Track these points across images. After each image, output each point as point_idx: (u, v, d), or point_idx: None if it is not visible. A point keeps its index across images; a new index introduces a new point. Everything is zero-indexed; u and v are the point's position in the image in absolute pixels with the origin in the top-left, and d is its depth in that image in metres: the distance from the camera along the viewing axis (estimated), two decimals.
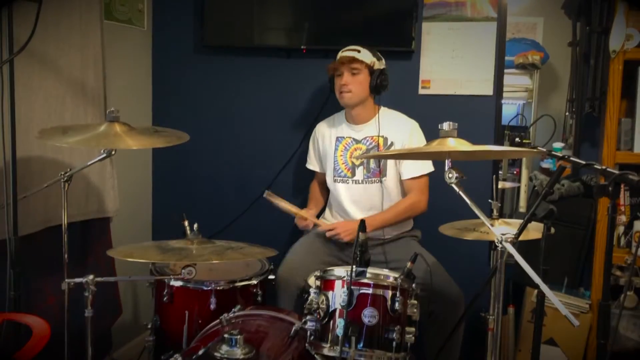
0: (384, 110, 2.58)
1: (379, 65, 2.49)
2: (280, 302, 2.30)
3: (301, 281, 2.27)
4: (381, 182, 2.51)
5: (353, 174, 2.54)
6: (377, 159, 2.52)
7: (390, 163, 2.51)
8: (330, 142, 2.62)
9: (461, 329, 2.37)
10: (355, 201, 2.54)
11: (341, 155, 2.57)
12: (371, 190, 2.52)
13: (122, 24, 2.81)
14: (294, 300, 2.27)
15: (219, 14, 2.92)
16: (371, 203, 2.52)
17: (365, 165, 2.53)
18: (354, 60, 2.44)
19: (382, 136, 2.52)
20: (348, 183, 2.55)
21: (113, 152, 1.88)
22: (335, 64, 2.49)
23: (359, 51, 2.46)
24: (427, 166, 2.51)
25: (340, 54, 2.50)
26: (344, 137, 2.59)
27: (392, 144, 2.52)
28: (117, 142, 1.85)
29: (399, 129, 2.53)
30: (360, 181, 2.53)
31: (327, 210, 2.69)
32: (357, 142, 2.56)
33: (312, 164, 2.74)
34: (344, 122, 2.61)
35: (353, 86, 2.46)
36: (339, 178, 2.57)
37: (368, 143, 2.55)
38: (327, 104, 2.85)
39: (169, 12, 3.05)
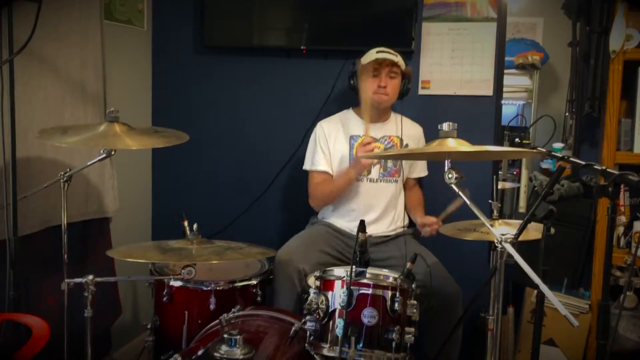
0: (395, 114, 2.63)
1: (407, 71, 2.53)
2: (277, 285, 2.26)
3: (299, 265, 2.23)
4: (397, 181, 2.55)
5: (369, 172, 2.54)
6: (394, 159, 2.55)
7: (405, 163, 2.58)
8: (342, 141, 2.58)
9: (460, 327, 2.37)
10: (368, 200, 2.53)
11: (357, 154, 2.56)
12: (385, 189, 2.54)
13: (122, 24, 2.81)
14: (294, 300, 2.27)
15: (219, 14, 2.92)
16: (383, 202, 2.53)
17: (382, 163, 2.54)
18: (394, 64, 2.45)
19: (399, 137, 2.57)
20: (363, 181, 2.54)
21: (113, 152, 1.88)
22: (375, 64, 2.46)
23: (396, 55, 2.47)
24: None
25: (378, 55, 2.45)
26: (359, 136, 2.56)
27: (407, 145, 2.57)
28: (116, 142, 1.85)
29: (412, 131, 2.61)
30: (375, 180, 2.54)
31: (331, 211, 2.63)
32: (375, 140, 2.54)
33: (322, 164, 2.59)
34: (359, 120, 2.59)
35: (390, 89, 2.48)
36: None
37: (386, 142, 2.57)
38: (327, 104, 2.86)
39: (169, 13, 3.05)
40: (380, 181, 2.54)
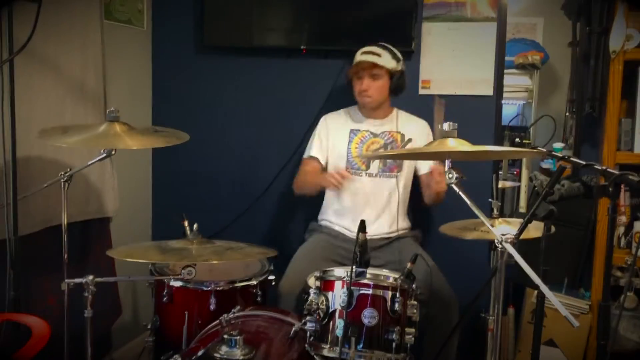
0: (397, 110, 2.62)
1: (399, 66, 2.50)
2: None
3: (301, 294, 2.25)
4: (397, 177, 2.53)
5: (367, 167, 2.54)
6: (393, 158, 2.54)
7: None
8: (343, 134, 2.60)
9: (456, 334, 2.36)
10: (366, 195, 2.53)
11: (356, 148, 2.57)
12: (384, 185, 2.53)
13: (122, 24, 2.81)
14: (294, 300, 2.26)
15: (219, 14, 2.92)
16: (382, 197, 2.53)
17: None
18: (375, 66, 2.45)
19: (400, 132, 2.55)
20: (361, 176, 2.54)
21: (113, 152, 1.88)
22: (356, 69, 2.48)
23: (379, 55, 2.46)
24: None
25: (360, 57, 2.47)
26: (359, 130, 2.58)
27: (409, 140, 2.55)
28: (117, 142, 1.85)
29: (416, 127, 2.59)
30: (374, 175, 2.54)
31: (329, 211, 2.64)
32: (375, 135, 2.57)
33: (314, 151, 2.63)
34: (360, 115, 2.61)
35: (373, 91, 2.48)
36: (352, 170, 2.55)
37: (386, 137, 2.56)
38: (326, 104, 2.85)
39: (169, 12, 3.05)
40: (380, 176, 2.54)
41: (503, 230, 1.56)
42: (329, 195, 2.65)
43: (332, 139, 2.62)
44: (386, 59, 2.47)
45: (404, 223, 2.59)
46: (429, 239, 2.60)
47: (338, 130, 2.61)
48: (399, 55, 2.52)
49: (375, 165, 2.54)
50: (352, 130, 2.59)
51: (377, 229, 2.49)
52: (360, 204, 2.53)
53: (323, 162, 2.64)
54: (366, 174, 2.54)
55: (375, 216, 2.50)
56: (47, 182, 1.93)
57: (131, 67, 2.95)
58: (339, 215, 2.58)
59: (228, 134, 3.05)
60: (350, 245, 2.48)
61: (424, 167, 2.58)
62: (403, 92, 2.57)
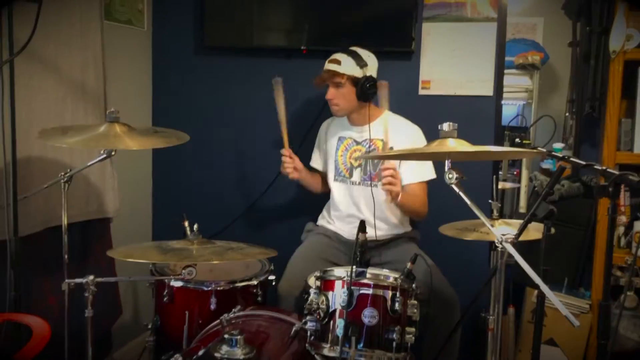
0: (387, 114, 2.53)
1: (364, 72, 2.41)
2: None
3: (300, 294, 2.25)
4: (376, 186, 2.47)
5: (351, 175, 2.54)
6: (374, 164, 2.50)
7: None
8: (333, 141, 2.62)
9: (458, 333, 2.36)
10: (353, 203, 2.53)
11: (342, 155, 2.57)
12: (364, 193, 2.51)
13: (122, 25, 2.81)
14: (294, 301, 2.27)
15: (219, 15, 2.92)
16: (364, 205, 2.51)
17: (362, 167, 2.52)
18: (335, 74, 2.42)
19: (381, 140, 2.49)
20: (346, 184, 2.55)
21: (113, 153, 1.89)
22: (319, 79, 2.48)
23: (339, 62, 2.41)
24: (428, 173, 2.48)
25: (326, 64, 2.46)
26: (345, 138, 2.58)
27: (391, 148, 2.47)
28: (117, 142, 1.85)
29: (399, 133, 2.47)
30: (357, 183, 2.53)
31: (325, 213, 2.67)
32: (357, 143, 2.55)
33: (316, 162, 2.74)
34: (347, 122, 2.60)
35: (337, 100, 2.46)
36: (339, 178, 2.57)
37: (367, 145, 2.53)
38: (326, 105, 2.85)
39: (169, 13, 3.05)
40: (362, 184, 2.52)
41: (503, 230, 1.56)
42: (329, 199, 2.67)
43: (327, 146, 2.65)
44: (347, 66, 2.40)
45: (390, 229, 2.54)
46: (429, 239, 2.59)
47: (331, 137, 2.64)
48: (368, 60, 2.42)
49: (357, 173, 2.53)
50: (340, 138, 2.60)
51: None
52: (348, 211, 2.54)
53: (321, 170, 2.70)
54: (350, 182, 2.54)
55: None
56: (47, 182, 1.93)
57: (131, 67, 2.95)
58: (333, 219, 2.61)
59: (228, 134, 3.05)
60: (344, 246, 2.52)
61: (406, 177, 2.44)
62: (372, 97, 2.45)
